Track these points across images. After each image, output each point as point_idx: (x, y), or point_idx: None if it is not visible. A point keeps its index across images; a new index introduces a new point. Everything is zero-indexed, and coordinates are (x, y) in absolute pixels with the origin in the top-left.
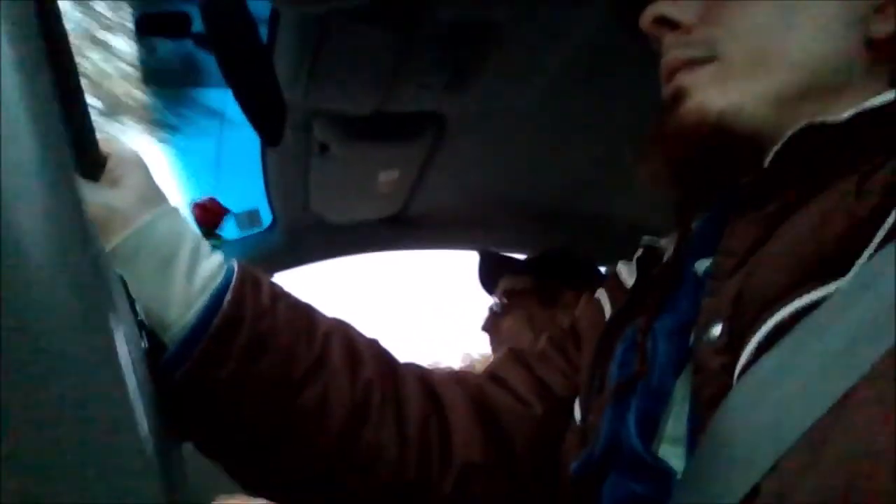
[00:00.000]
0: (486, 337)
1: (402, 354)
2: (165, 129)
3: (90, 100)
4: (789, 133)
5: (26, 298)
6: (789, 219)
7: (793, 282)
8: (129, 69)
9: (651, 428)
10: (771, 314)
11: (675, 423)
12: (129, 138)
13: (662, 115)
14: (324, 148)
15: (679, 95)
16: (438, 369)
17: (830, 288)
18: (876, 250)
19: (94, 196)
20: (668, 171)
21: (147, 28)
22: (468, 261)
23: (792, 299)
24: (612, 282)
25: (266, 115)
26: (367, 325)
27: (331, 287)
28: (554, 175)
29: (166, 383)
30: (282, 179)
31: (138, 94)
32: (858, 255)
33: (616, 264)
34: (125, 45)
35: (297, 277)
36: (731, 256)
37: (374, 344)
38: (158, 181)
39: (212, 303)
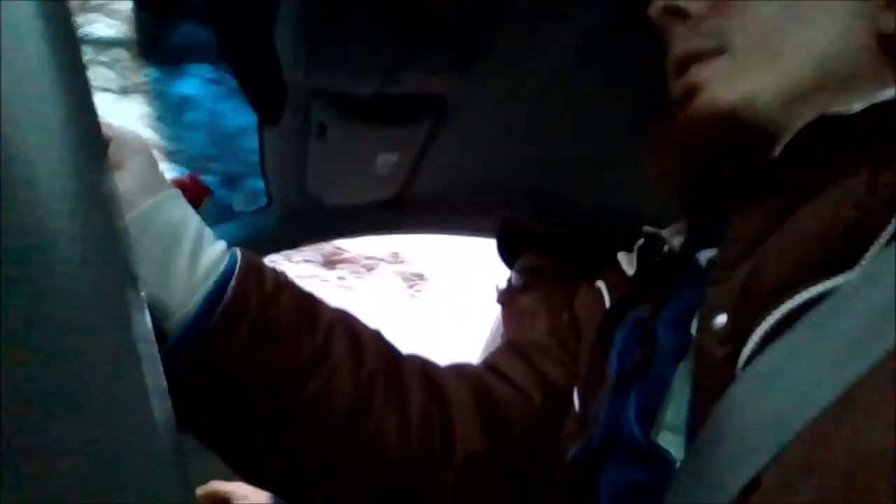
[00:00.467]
0: (500, 309)
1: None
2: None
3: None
4: (800, 125)
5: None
6: (797, 210)
7: (800, 274)
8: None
9: (650, 416)
10: (777, 305)
11: (675, 411)
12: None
13: (672, 108)
14: (322, 129)
15: (691, 90)
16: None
17: (838, 281)
18: (886, 244)
19: None
20: (678, 164)
21: (146, 3)
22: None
23: (799, 291)
24: (613, 271)
25: (265, 93)
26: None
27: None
28: (554, 162)
29: (169, 372)
30: (279, 160)
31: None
32: (867, 249)
33: (615, 253)
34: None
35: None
36: (736, 246)
37: (376, 335)
38: (160, 167)
39: (216, 290)
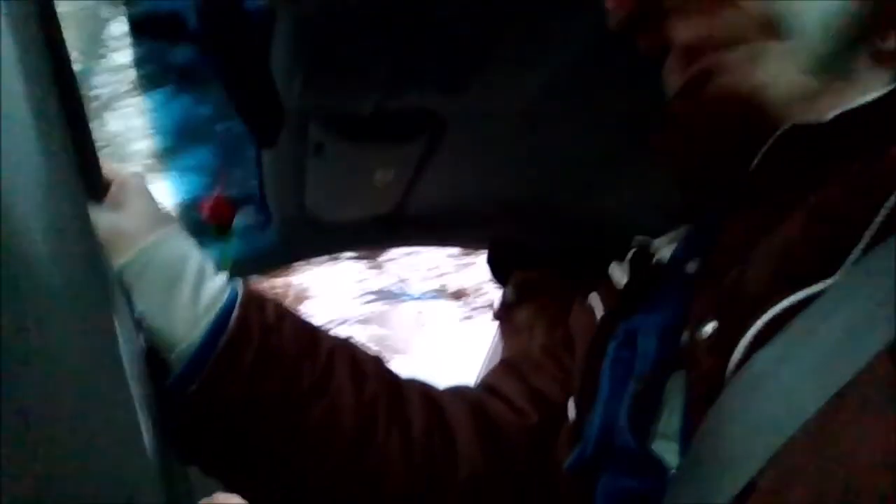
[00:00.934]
0: (496, 325)
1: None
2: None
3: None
4: (776, 134)
5: (28, 295)
6: (780, 218)
7: (783, 280)
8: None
9: (644, 424)
10: (762, 311)
11: (669, 419)
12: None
13: (681, 99)
14: (319, 148)
15: (705, 75)
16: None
17: (820, 287)
18: (864, 249)
19: (100, 218)
20: (686, 157)
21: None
22: None
23: (783, 297)
24: (605, 284)
25: (262, 116)
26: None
27: None
28: (550, 176)
29: (173, 403)
30: (277, 179)
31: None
32: (847, 254)
33: (609, 265)
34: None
35: None
36: (722, 255)
37: (377, 360)
38: (161, 204)
39: (218, 321)
